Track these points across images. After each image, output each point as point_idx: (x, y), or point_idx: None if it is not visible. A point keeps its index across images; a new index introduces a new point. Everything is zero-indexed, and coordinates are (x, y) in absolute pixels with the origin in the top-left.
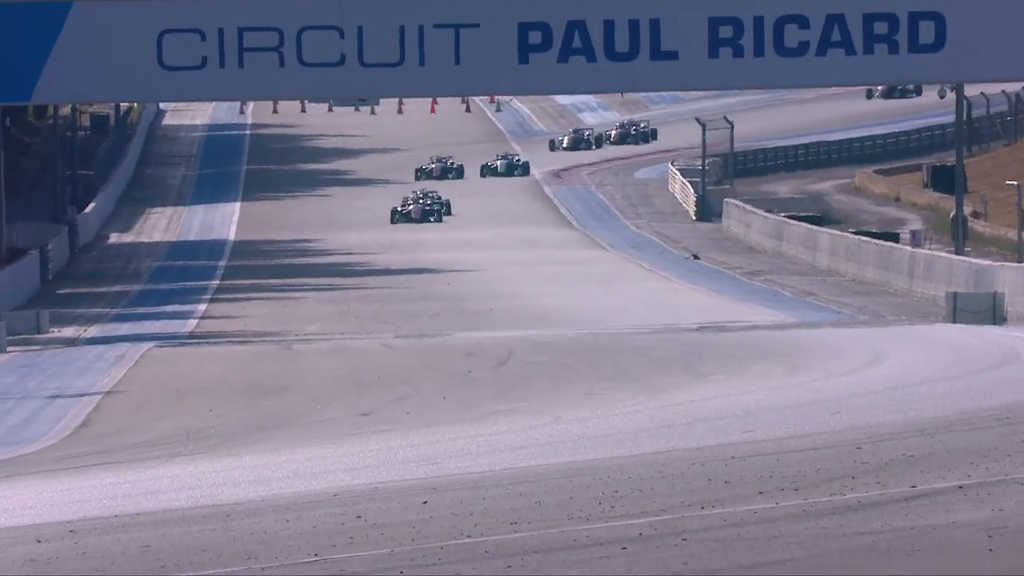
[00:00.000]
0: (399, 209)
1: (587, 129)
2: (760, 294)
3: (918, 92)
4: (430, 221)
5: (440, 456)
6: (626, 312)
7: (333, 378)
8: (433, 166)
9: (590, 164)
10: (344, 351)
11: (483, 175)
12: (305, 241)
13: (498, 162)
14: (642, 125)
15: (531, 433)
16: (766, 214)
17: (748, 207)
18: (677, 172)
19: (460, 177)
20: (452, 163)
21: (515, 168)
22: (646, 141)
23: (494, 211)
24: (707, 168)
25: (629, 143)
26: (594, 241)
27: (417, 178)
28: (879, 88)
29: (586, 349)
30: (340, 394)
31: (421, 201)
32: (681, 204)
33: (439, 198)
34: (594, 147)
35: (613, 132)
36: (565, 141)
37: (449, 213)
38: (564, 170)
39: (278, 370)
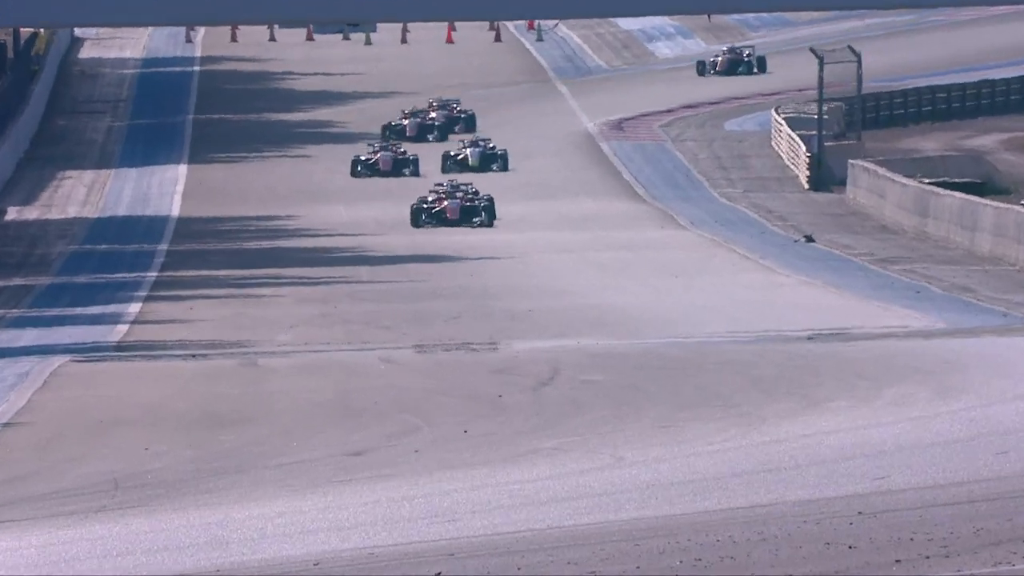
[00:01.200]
0: (425, 207)
1: (746, 46)
2: (898, 290)
3: None
4: (473, 224)
5: (459, 511)
6: (714, 314)
7: (314, 404)
8: (406, 122)
9: (664, 112)
10: (329, 368)
11: (445, 170)
12: (276, 218)
13: (466, 150)
14: (746, 53)
15: (583, 480)
16: (906, 181)
17: (881, 171)
18: (783, 123)
19: (471, 128)
20: (459, 111)
21: (492, 159)
22: (756, 72)
23: (531, 177)
24: (825, 117)
25: (740, 74)
26: (670, 217)
27: (385, 137)
28: None
29: (659, 365)
30: (323, 426)
31: (459, 196)
32: (789, 167)
33: (477, 193)
34: (756, 70)
35: (719, 59)
36: (719, 63)
37: (493, 216)
38: (628, 120)
39: (239, 394)
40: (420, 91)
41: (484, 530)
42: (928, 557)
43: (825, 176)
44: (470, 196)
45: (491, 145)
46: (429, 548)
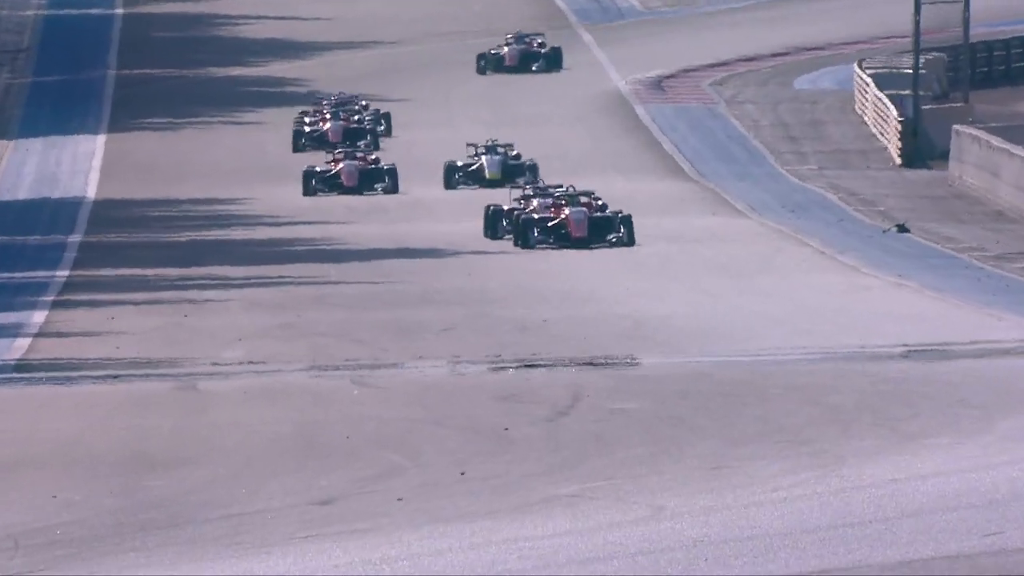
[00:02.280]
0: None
1: (536, 35)
2: (1017, 294)
3: None
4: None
5: (454, 575)
6: (780, 325)
7: (270, 440)
8: (506, 50)
9: (715, 66)
10: (288, 394)
11: (450, 185)
12: (219, 202)
13: (482, 159)
14: (536, 43)
15: (613, 536)
16: None
17: (995, 141)
18: (870, 80)
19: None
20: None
21: (518, 171)
22: (545, 67)
23: (546, 148)
24: (923, 72)
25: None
26: (724, 200)
27: (480, 68)
28: None
29: (708, 390)
30: (282, 468)
31: (497, 152)
32: (876, 136)
33: (517, 154)
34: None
35: (504, 51)
36: (507, 56)
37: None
38: (669, 77)
39: (173, 427)
40: (403, 40)
41: None
42: None
43: (923, 148)
44: (511, 155)
45: (515, 153)
46: None
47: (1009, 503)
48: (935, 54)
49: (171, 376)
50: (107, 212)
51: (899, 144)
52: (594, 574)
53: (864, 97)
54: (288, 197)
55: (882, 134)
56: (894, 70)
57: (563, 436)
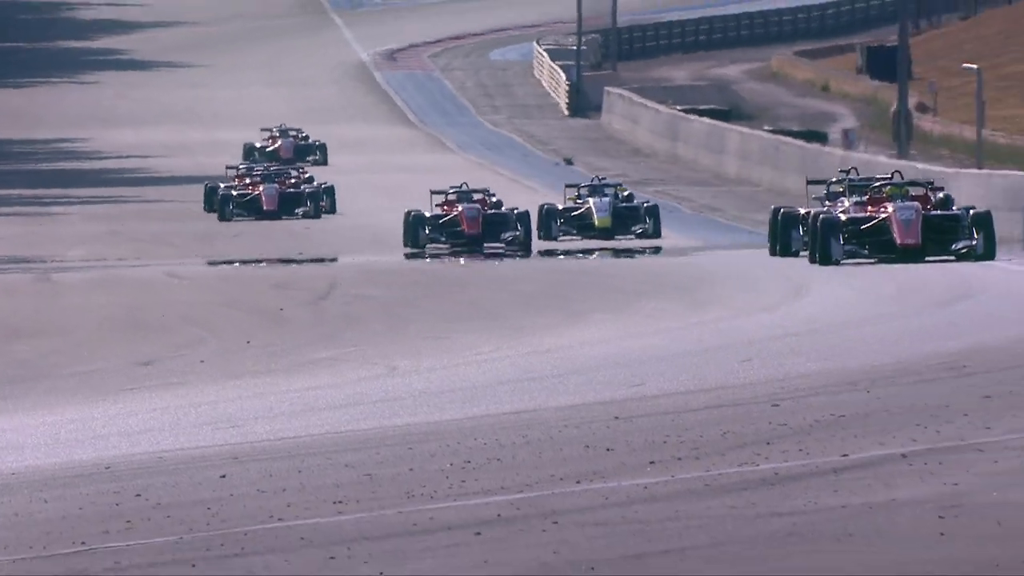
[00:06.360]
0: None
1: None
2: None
3: None
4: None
5: (243, 417)
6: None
7: (104, 317)
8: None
9: (433, 43)
10: (118, 283)
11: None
12: (67, 141)
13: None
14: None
15: (359, 387)
16: (658, 107)
17: (635, 98)
18: (545, 54)
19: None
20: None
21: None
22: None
23: (309, 104)
24: (583, 48)
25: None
26: (439, 142)
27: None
28: None
29: (432, 281)
30: (114, 338)
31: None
32: (550, 94)
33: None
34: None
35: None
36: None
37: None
38: (399, 50)
39: (32, 307)
40: (201, 22)
41: (266, 435)
42: (680, 459)
43: (583, 103)
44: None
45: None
46: (215, 452)
47: (648, 363)
48: (593, 35)
49: (31, 270)
50: None
51: (566, 100)
52: (345, 416)
53: (541, 66)
54: (121, 138)
55: (554, 93)
56: (563, 46)
57: (323, 315)
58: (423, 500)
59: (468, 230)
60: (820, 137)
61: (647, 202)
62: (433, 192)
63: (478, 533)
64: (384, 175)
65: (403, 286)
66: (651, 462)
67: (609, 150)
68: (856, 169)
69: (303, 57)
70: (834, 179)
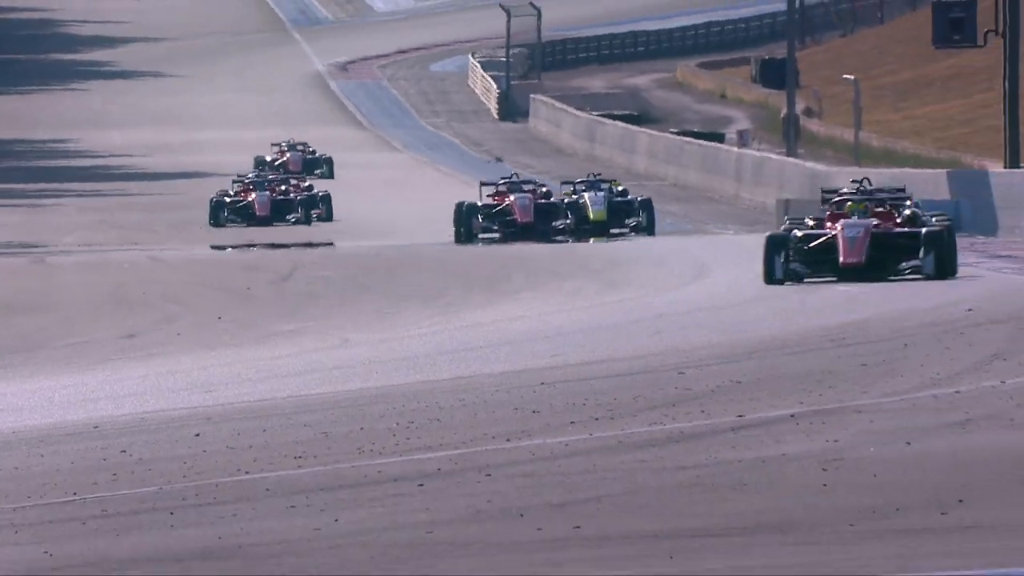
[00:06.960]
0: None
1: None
2: None
3: None
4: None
5: (215, 383)
6: (430, 223)
7: (93, 295)
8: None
9: (381, 56)
10: (106, 265)
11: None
12: (61, 141)
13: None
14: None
15: (316, 357)
16: (577, 112)
17: (557, 104)
18: (478, 65)
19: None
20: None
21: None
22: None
23: (274, 109)
24: (511, 61)
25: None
26: (387, 142)
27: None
28: None
29: (381, 264)
30: (102, 313)
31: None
32: (483, 101)
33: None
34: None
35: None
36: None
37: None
38: (351, 63)
39: (30, 286)
40: (181, 37)
41: (236, 399)
42: (597, 419)
43: (512, 109)
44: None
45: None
46: (191, 414)
47: (569, 336)
48: (520, 49)
49: (29, 253)
50: None
51: (497, 106)
52: (304, 382)
53: (475, 76)
54: (108, 138)
55: (486, 100)
56: (494, 59)
57: (286, 293)
58: (372, 455)
59: (521, 219)
60: (718, 137)
61: (640, 197)
62: (483, 184)
63: (421, 484)
64: (337, 170)
65: (356, 268)
66: (572, 422)
67: (535, 150)
68: (868, 179)
69: (268, 68)
70: (844, 188)
